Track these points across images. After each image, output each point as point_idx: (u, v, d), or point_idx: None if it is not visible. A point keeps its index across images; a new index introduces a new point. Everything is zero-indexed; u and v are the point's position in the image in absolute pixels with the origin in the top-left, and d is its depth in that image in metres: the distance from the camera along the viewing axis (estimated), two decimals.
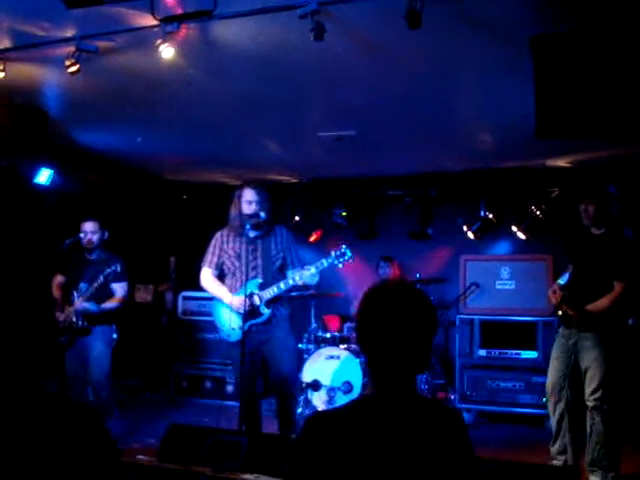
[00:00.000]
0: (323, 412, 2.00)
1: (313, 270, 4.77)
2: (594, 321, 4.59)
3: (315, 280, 4.86)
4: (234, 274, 4.98)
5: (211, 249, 5.17)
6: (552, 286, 4.95)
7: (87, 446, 1.86)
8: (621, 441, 4.66)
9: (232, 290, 4.97)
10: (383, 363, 1.93)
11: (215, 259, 5.12)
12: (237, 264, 4.96)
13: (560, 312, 4.81)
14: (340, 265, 4.84)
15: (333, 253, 4.80)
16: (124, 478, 2.05)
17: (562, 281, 4.89)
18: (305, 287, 5.10)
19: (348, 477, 1.79)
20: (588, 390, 4.60)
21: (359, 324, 1.97)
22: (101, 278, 5.30)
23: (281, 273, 4.99)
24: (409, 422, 1.86)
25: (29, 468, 1.79)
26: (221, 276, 5.16)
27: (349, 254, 4.80)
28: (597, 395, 4.54)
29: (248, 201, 4.94)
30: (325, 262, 4.78)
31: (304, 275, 4.77)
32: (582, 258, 4.82)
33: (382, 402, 1.90)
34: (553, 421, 4.84)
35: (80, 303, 5.32)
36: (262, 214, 4.89)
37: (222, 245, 5.10)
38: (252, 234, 5.00)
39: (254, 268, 4.95)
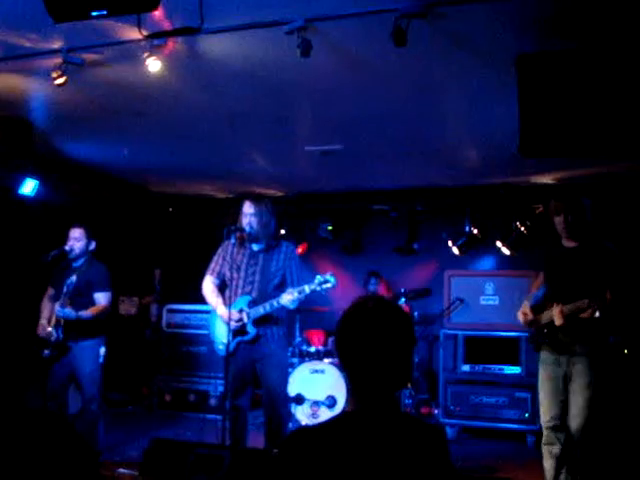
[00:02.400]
0: (305, 428, 2.01)
1: (296, 295, 4.72)
2: (584, 340, 4.41)
3: (294, 305, 4.78)
4: (231, 286, 4.96)
5: (216, 257, 5.16)
6: (522, 308, 4.82)
7: (63, 457, 1.86)
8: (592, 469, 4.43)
9: (227, 302, 4.94)
10: (364, 379, 1.94)
11: (218, 268, 5.11)
12: (235, 276, 4.94)
13: (544, 332, 4.60)
14: (323, 292, 4.78)
15: (317, 280, 4.75)
16: None
17: (532, 301, 4.78)
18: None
19: None
20: (572, 412, 4.39)
21: (339, 340, 1.99)
22: (69, 281, 5.25)
23: (278, 291, 4.90)
24: (390, 439, 1.86)
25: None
26: (225, 285, 5.13)
27: (333, 282, 4.73)
28: (579, 421, 4.33)
29: (244, 214, 4.94)
30: (307, 288, 4.72)
31: (283, 299, 4.73)
32: (559, 274, 4.63)
33: (364, 418, 1.91)
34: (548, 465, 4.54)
35: (58, 309, 5.26)
36: (247, 228, 4.88)
37: (225, 255, 5.07)
38: (255, 248, 4.99)
39: (251, 283, 4.93)
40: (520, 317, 4.82)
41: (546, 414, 4.54)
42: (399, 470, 1.82)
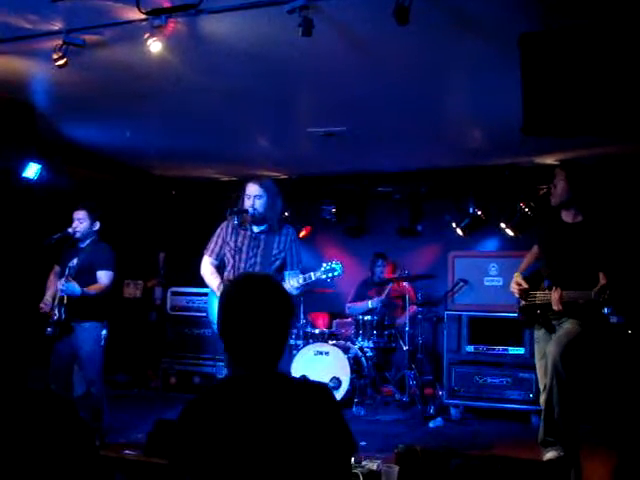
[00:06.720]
0: (196, 397, 2.05)
1: (301, 281, 4.73)
2: (575, 315, 4.37)
3: (297, 292, 4.84)
4: (232, 268, 4.95)
5: (214, 238, 5.13)
6: (515, 278, 4.77)
7: (61, 437, 1.86)
8: (577, 419, 4.42)
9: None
10: (242, 348, 2.03)
11: (217, 249, 5.09)
12: (236, 258, 4.91)
13: (537, 313, 4.61)
14: (328, 280, 4.79)
15: (323, 267, 4.75)
16: (103, 469, 2.07)
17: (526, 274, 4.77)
18: None
19: (221, 458, 1.84)
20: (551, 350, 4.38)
21: (220, 317, 2.08)
22: (71, 263, 5.29)
23: (279, 273, 4.91)
24: (274, 399, 1.93)
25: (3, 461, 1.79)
26: (222, 267, 5.13)
27: (339, 270, 4.71)
28: (557, 358, 4.27)
29: (248, 196, 4.91)
30: (313, 276, 4.72)
31: (287, 283, 4.72)
32: (558, 252, 4.57)
33: (247, 382, 1.98)
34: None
35: (61, 285, 5.26)
36: (250, 210, 4.86)
37: (225, 236, 5.05)
38: (256, 230, 4.98)
39: (252, 265, 4.91)
40: (514, 287, 4.78)
41: (543, 391, 4.56)
42: (288, 429, 1.88)
